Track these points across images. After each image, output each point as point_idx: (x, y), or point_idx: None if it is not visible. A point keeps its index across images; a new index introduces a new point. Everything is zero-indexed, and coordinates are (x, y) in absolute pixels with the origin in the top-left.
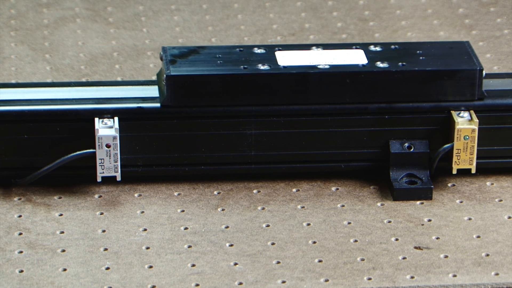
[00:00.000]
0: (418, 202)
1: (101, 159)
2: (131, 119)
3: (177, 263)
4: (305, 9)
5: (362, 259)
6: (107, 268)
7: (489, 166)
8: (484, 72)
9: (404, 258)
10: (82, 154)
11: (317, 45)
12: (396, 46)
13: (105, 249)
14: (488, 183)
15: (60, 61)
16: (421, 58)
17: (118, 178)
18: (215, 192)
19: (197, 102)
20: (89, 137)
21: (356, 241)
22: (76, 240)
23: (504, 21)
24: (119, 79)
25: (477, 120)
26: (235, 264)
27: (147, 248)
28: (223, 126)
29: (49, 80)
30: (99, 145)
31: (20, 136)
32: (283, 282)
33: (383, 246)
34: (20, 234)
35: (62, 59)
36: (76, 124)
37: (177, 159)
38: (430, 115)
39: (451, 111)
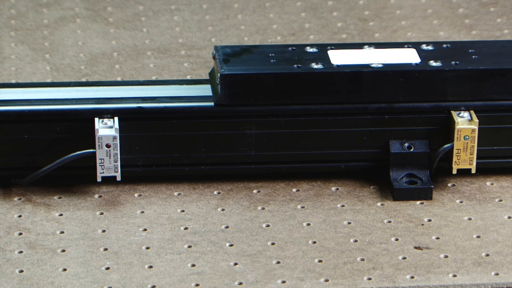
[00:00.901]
0: (418, 202)
1: (101, 159)
2: (131, 119)
3: (177, 263)
4: (305, 9)
5: (362, 259)
6: (107, 268)
7: (489, 166)
8: None
9: (404, 258)
10: (82, 154)
11: (369, 44)
12: (448, 45)
13: (105, 249)
14: (488, 183)
15: (60, 61)
16: (473, 57)
17: (118, 178)
18: (215, 192)
19: (251, 101)
20: (89, 137)
21: (356, 241)
22: (76, 240)
23: (504, 21)
24: (119, 79)
25: (477, 120)
26: (235, 264)
27: (147, 248)
28: (223, 126)
29: (49, 80)
30: (99, 145)
31: (20, 136)
32: (283, 282)
33: (383, 246)
34: (20, 234)
35: (62, 59)
36: (76, 124)
37: (177, 159)
38: (430, 115)
39: (451, 111)
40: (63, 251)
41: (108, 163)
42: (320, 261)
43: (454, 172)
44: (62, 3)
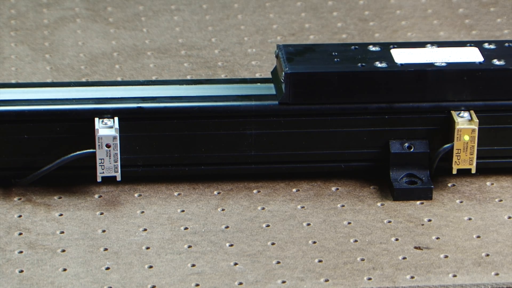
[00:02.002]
0: (418, 202)
1: (101, 159)
2: (131, 119)
3: (177, 263)
4: (305, 9)
5: (362, 259)
6: (107, 268)
7: (489, 166)
8: None
9: (404, 258)
10: (82, 154)
11: (432, 43)
12: (510, 44)
13: (105, 249)
14: (488, 183)
15: (60, 61)
16: None
17: (118, 178)
18: (215, 192)
19: (315, 100)
20: (89, 137)
21: (356, 241)
22: (76, 240)
23: (504, 21)
24: (119, 79)
25: (477, 120)
26: (235, 264)
27: (147, 248)
28: (223, 126)
29: (49, 80)
30: (99, 145)
31: (20, 136)
32: (283, 282)
33: (383, 246)
34: (20, 234)
35: (62, 59)
36: (76, 124)
37: (177, 159)
38: (430, 115)
39: (451, 111)
40: (63, 251)
41: (108, 163)
42: (320, 261)
43: (454, 172)
44: (62, 3)
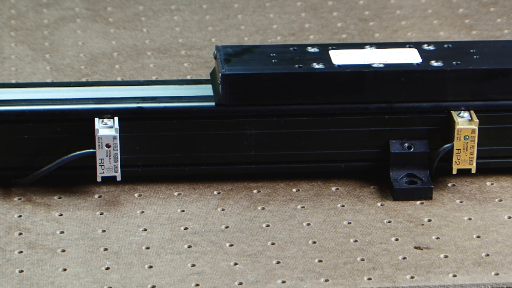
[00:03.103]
0: (418, 202)
1: (101, 159)
2: (131, 119)
3: (177, 263)
4: (305, 9)
5: (362, 259)
6: (107, 268)
7: (489, 166)
8: None
9: (404, 258)
10: (82, 154)
11: (370, 44)
12: (449, 45)
13: (105, 249)
14: (488, 183)
15: (60, 61)
16: (475, 57)
17: (118, 178)
18: (215, 192)
19: (252, 101)
20: (89, 137)
21: (356, 241)
22: (76, 240)
23: (504, 21)
24: (119, 79)
25: (477, 120)
26: (235, 264)
27: (147, 248)
28: (223, 126)
29: (49, 80)
30: (99, 145)
31: (20, 136)
32: (283, 282)
33: (383, 246)
34: (20, 234)
35: (62, 59)
36: (76, 124)
37: (177, 159)
38: (430, 115)
39: (451, 111)
40: (63, 251)
41: (108, 163)
42: (320, 261)
43: (454, 172)
44: (62, 3)
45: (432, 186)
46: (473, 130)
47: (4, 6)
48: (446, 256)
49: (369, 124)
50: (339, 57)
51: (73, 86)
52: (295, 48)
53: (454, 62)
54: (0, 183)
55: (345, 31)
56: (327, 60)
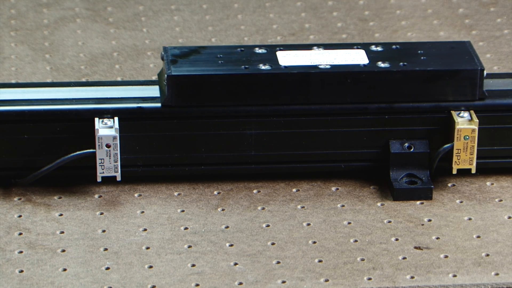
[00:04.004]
0: (418, 202)
1: (101, 159)
2: (131, 119)
3: (177, 263)
4: (305, 9)
5: (362, 259)
6: (107, 268)
7: (489, 166)
8: (485, 72)
9: (404, 258)
10: (82, 154)
11: (318, 45)
12: (397, 46)
13: (105, 249)
14: (488, 183)
15: (60, 61)
16: (422, 58)
17: (118, 178)
18: (215, 192)
19: (198, 102)
20: (89, 137)
21: (356, 241)
22: (76, 240)
23: (504, 21)
24: (119, 79)
25: (477, 120)
26: (235, 264)
27: (147, 248)
28: (223, 126)
29: (49, 80)
30: (99, 145)
31: (20, 136)
32: (283, 282)
33: (383, 246)
34: (20, 234)
35: (62, 59)
36: (76, 124)
37: (177, 159)
38: (430, 115)
39: (451, 111)
40: (63, 251)
41: (108, 163)
42: (320, 261)
43: (454, 172)
44: (62, 3)
45: (432, 186)
46: (473, 130)
47: (4, 6)
48: (446, 256)
49: (369, 124)
50: (286, 58)
51: (73, 86)
52: (243, 49)
53: (401, 63)
54: (0, 183)
55: (345, 31)
56: (274, 61)
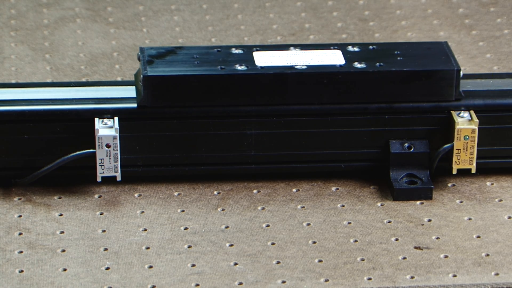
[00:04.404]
0: (418, 202)
1: (101, 159)
2: (131, 119)
3: (177, 263)
4: (305, 9)
5: (362, 259)
6: (107, 268)
7: (489, 166)
8: (461, 73)
9: (404, 258)
10: (82, 154)
11: (295, 46)
12: (374, 46)
13: (105, 249)
14: (488, 183)
15: (60, 61)
16: (398, 58)
17: (118, 178)
18: (215, 192)
19: (174, 103)
20: (89, 137)
21: (356, 241)
22: (76, 240)
23: (504, 21)
24: (119, 79)
25: (477, 120)
26: (235, 264)
27: (147, 248)
28: (223, 126)
29: (49, 80)
30: (99, 145)
31: (20, 136)
32: (283, 282)
33: (383, 246)
34: (20, 234)
35: (62, 59)
36: (76, 124)
37: (177, 159)
38: (430, 115)
39: (451, 111)
40: (63, 251)
41: (108, 163)
42: (320, 261)
43: (454, 172)
44: (62, 3)
45: (432, 186)
46: (473, 130)
47: (4, 6)
48: (446, 256)
49: (369, 124)
50: (262, 59)
51: (73, 86)
52: (220, 49)
53: (377, 64)
54: (0, 183)
55: (345, 31)
56: (250, 61)
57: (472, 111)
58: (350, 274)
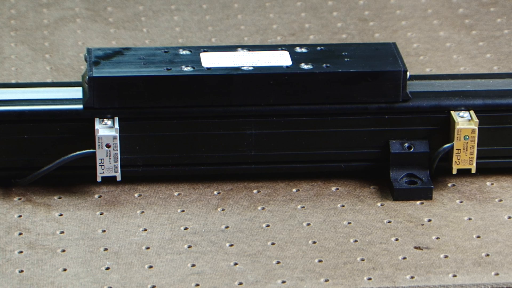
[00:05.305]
0: (418, 202)
1: (101, 159)
2: (131, 119)
3: (177, 263)
4: (305, 9)
5: (362, 259)
6: (107, 268)
7: (489, 166)
8: (408, 74)
9: (404, 258)
10: (82, 154)
11: (243, 47)
12: (322, 47)
13: (105, 249)
14: (488, 183)
15: (60, 61)
16: (346, 59)
17: (118, 178)
18: (215, 192)
19: (119, 104)
20: (89, 137)
21: (356, 241)
22: (76, 240)
23: (504, 21)
24: None
25: (477, 120)
26: (235, 264)
27: (147, 248)
28: (223, 126)
29: (49, 80)
30: (99, 145)
31: (20, 136)
32: (283, 282)
33: (383, 246)
34: (20, 234)
35: (62, 59)
36: (76, 124)
37: (177, 159)
38: (430, 115)
39: (451, 111)
40: (63, 251)
41: (108, 163)
42: (320, 261)
43: (454, 172)
44: (62, 3)
45: (432, 186)
46: (473, 130)
47: (4, 6)
48: (446, 256)
49: (369, 124)
50: (209, 60)
51: (73, 86)
52: (167, 50)
53: (324, 65)
54: (0, 183)
55: (345, 31)
56: (197, 62)
57: (472, 111)
58: (350, 274)
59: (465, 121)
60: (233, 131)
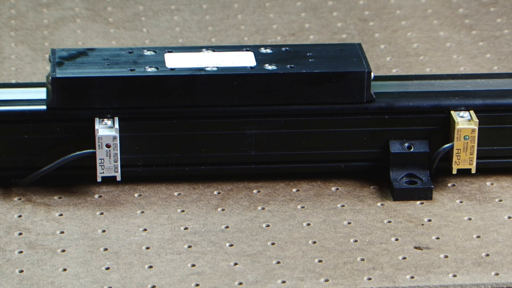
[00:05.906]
0: (418, 202)
1: (101, 159)
2: (131, 119)
3: (177, 263)
4: (305, 9)
5: (362, 259)
6: (107, 268)
7: (489, 166)
8: (372, 75)
9: (404, 258)
10: (82, 154)
11: (207, 47)
12: (287, 48)
13: (105, 249)
14: (488, 183)
15: None
16: (310, 60)
17: (118, 178)
18: (215, 192)
19: (82, 104)
20: (89, 137)
21: (356, 241)
22: (76, 240)
23: (504, 21)
24: None
25: (477, 120)
26: (235, 264)
27: (147, 248)
28: (223, 126)
29: None
30: (99, 145)
31: (20, 136)
32: (283, 282)
33: (383, 246)
34: (20, 234)
35: None
36: (76, 124)
37: (177, 159)
38: (430, 115)
39: (451, 111)
40: (63, 251)
41: (108, 163)
42: (320, 261)
43: (454, 172)
44: (62, 3)
45: (432, 186)
46: (473, 130)
47: (4, 6)
48: (446, 256)
49: (369, 124)
50: (173, 61)
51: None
52: (132, 51)
53: (288, 66)
54: (0, 183)
55: (345, 31)
56: (161, 63)
57: (472, 111)
58: (350, 274)
59: (465, 121)
60: (233, 131)
